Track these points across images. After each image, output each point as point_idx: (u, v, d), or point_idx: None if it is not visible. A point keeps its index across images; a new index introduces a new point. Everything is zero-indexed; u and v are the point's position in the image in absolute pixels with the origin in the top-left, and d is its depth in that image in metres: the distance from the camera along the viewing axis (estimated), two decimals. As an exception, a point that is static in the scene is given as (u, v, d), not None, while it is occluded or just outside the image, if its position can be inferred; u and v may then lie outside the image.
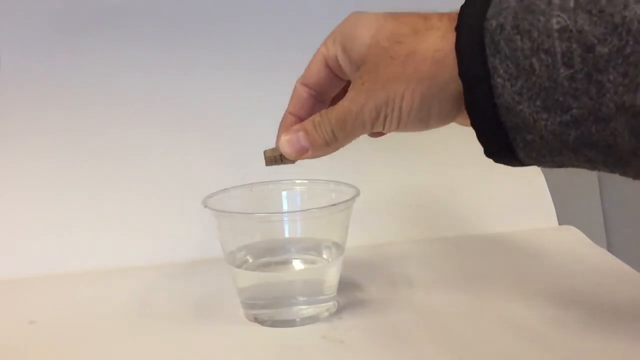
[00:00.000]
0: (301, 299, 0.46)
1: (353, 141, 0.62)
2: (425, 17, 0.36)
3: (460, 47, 0.34)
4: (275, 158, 0.42)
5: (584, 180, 0.75)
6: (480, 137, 0.35)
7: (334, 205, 0.44)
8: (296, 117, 0.42)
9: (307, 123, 0.40)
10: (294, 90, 0.43)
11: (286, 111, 0.43)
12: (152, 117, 0.65)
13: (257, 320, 0.45)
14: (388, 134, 0.40)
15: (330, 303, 0.46)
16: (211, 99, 0.66)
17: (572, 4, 0.30)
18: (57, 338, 0.45)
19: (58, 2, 0.64)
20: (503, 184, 0.65)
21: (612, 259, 0.54)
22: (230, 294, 0.47)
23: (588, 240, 0.59)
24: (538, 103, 0.32)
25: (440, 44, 0.35)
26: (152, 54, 0.65)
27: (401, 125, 0.37)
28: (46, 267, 0.56)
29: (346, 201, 0.44)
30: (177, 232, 0.60)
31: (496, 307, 0.46)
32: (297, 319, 0.45)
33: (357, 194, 0.45)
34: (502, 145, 0.34)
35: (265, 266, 0.47)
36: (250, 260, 0.46)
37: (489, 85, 0.33)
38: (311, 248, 0.47)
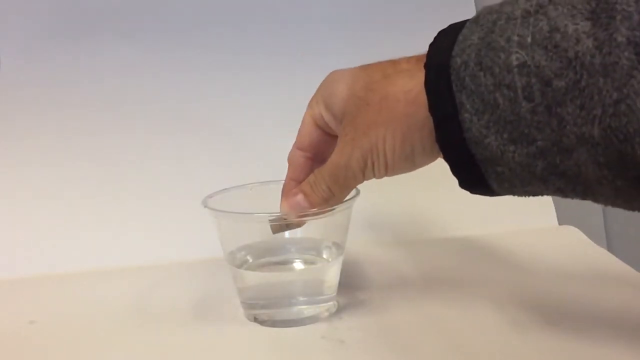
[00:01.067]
0: (301, 299, 0.46)
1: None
2: (394, 62, 0.38)
3: (429, 85, 0.35)
4: (280, 225, 0.43)
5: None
6: (454, 171, 0.36)
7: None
8: (297, 183, 0.43)
9: (304, 184, 0.42)
10: (291, 156, 0.44)
11: (287, 178, 0.44)
12: (152, 117, 0.65)
13: (257, 320, 0.45)
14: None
15: (330, 303, 0.46)
16: (211, 99, 0.66)
17: (529, 40, 0.31)
18: (57, 338, 0.45)
19: (58, 2, 0.64)
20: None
21: (612, 259, 0.54)
22: (230, 294, 0.47)
23: (588, 240, 0.59)
24: (505, 136, 0.33)
25: (410, 84, 0.36)
26: (152, 54, 0.66)
27: (389, 168, 0.38)
28: (46, 267, 0.56)
29: (346, 201, 0.44)
30: (177, 232, 0.60)
31: (495, 307, 0.46)
32: (297, 319, 0.45)
33: (357, 194, 0.45)
34: (475, 178, 0.35)
35: (265, 266, 0.47)
36: (250, 260, 0.47)
37: (457, 120, 0.34)
38: (311, 248, 0.47)
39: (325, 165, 0.41)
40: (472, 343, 0.41)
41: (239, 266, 0.46)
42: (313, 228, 0.47)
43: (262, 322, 0.45)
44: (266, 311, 0.45)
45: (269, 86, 0.68)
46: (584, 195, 0.33)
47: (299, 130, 0.44)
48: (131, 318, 0.47)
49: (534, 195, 0.36)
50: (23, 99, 0.64)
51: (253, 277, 0.46)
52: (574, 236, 0.61)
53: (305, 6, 0.69)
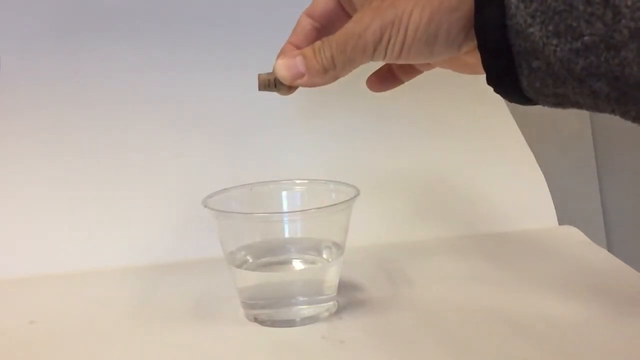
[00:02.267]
0: (301, 299, 0.46)
1: (354, 139, 0.63)
2: None
3: None
4: (269, 82, 0.40)
5: (584, 180, 0.76)
6: (485, 61, 0.34)
7: (334, 205, 0.44)
8: (295, 47, 0.41)
9: (307, 48, 0.39)
10: (298, 21, 0.42)
11: (286, 41, 0.42)
12: (152, 117, 0.65)
13: (257, 320, 0.45)
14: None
15: (330, 303, 0.46)
16: (211, 99, 0.66)
17: None
18: (57, 338, 0.45)
19: (58, 2, 0.64)
20: (503, 184, 0.65)
21: (612, 259, 0.54)
22: (230, 294, 0.47)
23: (588, 240, 0.59)
24: (550, 28, 0.31)
25: None
26: (152, 53, 0.65)
27: (405, 49, 0.36)
28: (46, 267, 0.56)
29: (346, 201, 0.44)
30: (177, 232, 0.60)
31: (496, 307, 0.46)
32: (297, 319, 0.45)
33: (357, 194, 0.45)
34: (505, 72, 0.34)
35: (265, 266, 0.47)
36: (250, 260, 0.47)
37: (501, 5, 0.32)
38: (311, 248, 0.47)
39: (336, 33, 0.37)
40: (472, 343, 0.41)
41: (239, 266, 0.46)
42: (313, 228, 0.47)
43: (262, 322, 0.45)
44: (266, 311, 0.45)
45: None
46: (616, 104, 0.32)
47: None
48: (131, 318, 0.47)
49: (560, 102, 0.34)
50: (23, 98, 0.64)
51: (253, 277, 0.46)
52: (574, 236, 0.61)
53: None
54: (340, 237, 0.46)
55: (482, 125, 0.68)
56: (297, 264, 0.48)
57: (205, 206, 0.44)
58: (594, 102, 0.32)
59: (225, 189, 0.48)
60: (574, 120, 0.77)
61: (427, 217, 0.63)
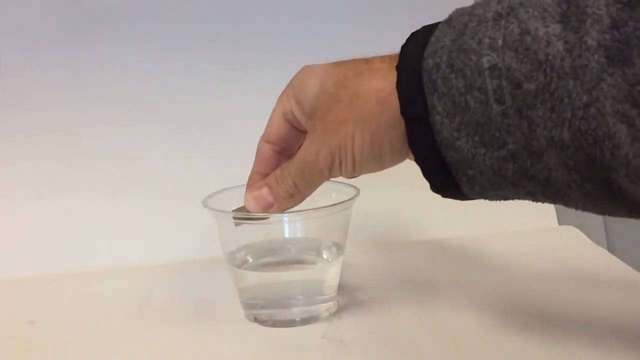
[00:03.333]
0: (301, 299, 0.46)
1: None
2: (367, 60, 0.38)
3: (400, 87, 0.35)
4: (243, 217, 0.42)
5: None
6: (425, 174, 0.36)
7: (334, 205, 0.44)
8: (263, 175, 0.43)
9: (270, 178, 0.41)
10: (258, 149, 0.44)
11: (252, 171, 0.44)
12: (152, 117, 0.65)
13: (257, 320, 0.45)
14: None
15: (330, 303, 0.46)
16: (211, 99, 0.66)
17: (500, 42, 0.31)
18: (57, 338, 0.45)
19: (58, 2, 0.64)
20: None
21: (612, 259, 0.54)
22: (230, 294, 0.47)
23: (588, 240, 0.59)
24: (476, 139, 0.32)
25: (382, 83, 0.36)
26: (152, 53, 0.66)
27: (357, 167, 0.38)
28: (46, 267, 0.56)
29: (346, 201, 0.44)
30: (177, 232, 0.60)
31: (496, 307, 0.46)
32: (297, 319, 0.45)
33: (357, 194, 0.45)
34: (446, 181, 0.35)
35: (265, 266, 0.47)
36: (251, 260, 0.47)
37: (428, 122, 0.34)
38: (311, 248, 0.47)
39: (292, 160, 0.40)
40: (472, 343, 0.41)
41: (239, 266, 0.46)
42: (313, 228, 0.47)
43: (262, 322, 0.45)
44: (266, 311, 0.45)
45: (270, 86, 0.67)
46: (554, 199, 0.33)
47: (268, 124, 0.43)
48: (131, 318, 0.47)
49: (505, 199, 0.35)
50: (23, 99, 0.64)
51: (253, 277, 0.46)
52: (574, 236, 0.61)
53: (306, 6, 0.69)
54: (340, 237, 0.46)
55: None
56: (297, 264, 0.48)
57: (205, 206, 0.44)
58: (534, 199, 0.34)
59: (225, 189, 0.48)
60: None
61: (427, 217, 0.63)
